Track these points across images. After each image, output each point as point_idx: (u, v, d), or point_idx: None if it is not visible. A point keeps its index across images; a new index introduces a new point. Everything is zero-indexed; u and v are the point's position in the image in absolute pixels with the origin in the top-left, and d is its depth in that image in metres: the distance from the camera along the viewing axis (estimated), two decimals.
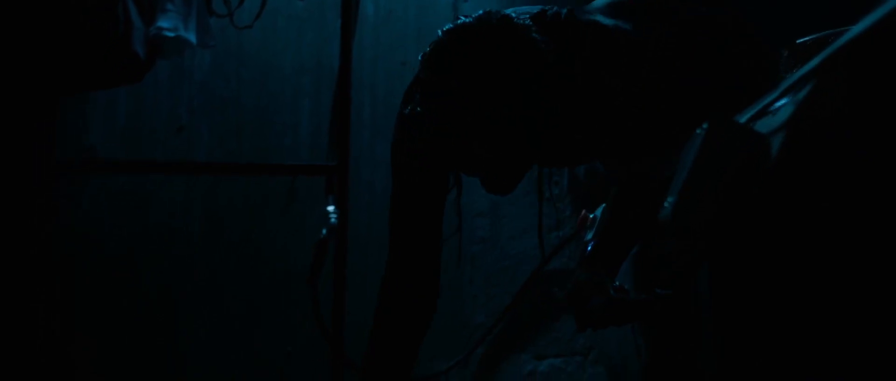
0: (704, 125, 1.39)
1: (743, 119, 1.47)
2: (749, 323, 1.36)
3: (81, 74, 2.66)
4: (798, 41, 1.70)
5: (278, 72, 3.40)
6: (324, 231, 2.84)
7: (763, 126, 1.39)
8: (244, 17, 2.99)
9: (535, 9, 1.79)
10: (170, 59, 2.97)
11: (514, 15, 1.71)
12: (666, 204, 1.46)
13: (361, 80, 3.40)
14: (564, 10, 1.77)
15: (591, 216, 2.24)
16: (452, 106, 1.67)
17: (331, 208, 2.88)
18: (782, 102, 1.38)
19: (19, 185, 2.70)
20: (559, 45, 1.70)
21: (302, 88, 3.42)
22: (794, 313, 1.32)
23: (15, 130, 2.67)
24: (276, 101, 3.40)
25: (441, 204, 1.96)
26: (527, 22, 1.69)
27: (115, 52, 2.61)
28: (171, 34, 2.69)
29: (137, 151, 3.27)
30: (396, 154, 1.95)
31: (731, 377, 1.40)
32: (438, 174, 1.94)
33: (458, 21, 1.71)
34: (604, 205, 2.04)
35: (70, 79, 2.67)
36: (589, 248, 1.92)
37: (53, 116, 2.79)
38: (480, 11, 1.73)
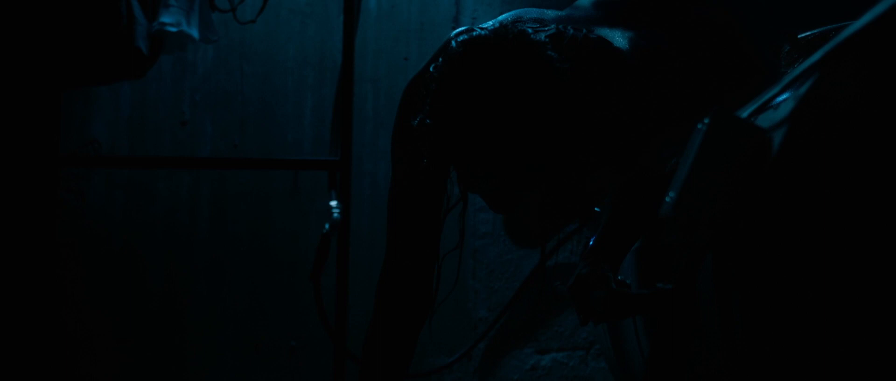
0: (706, 120, 1.39)
1: (745, 114, 1.47)
2: (751, 318, 1.37)
3: (85, 70, 2.67)
4: (800, 36, 1.70)
5: (281, 66, 3.40)
6: (326, 226, 2.85)
7: (765, 121, 1.39)
8: (247, 12, 2.99)
9: (551, 18, 1.78)
10: (172, 54, 2.98)
11: (530, 30, 1.69)
12: (667, 199, 1.46)
13: (364, 73, 3.41)
14: (581, 34, 1.75)
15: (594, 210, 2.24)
16: (464, 121, 1.65)
17: (333, 203, 2.88)
18: (784, 96, 1.38)
19: (24, 178, 2.70)
20: (573, 63, 1.68)
21: (305, 82, 3.42)
22: (797, 309, 1.32)
23: (19, 125, 2.68)
24: (279, 95, 3.40)
25: (440, 209, 1.97)
26: (542, 39, 1.67)
27: (118, 48, 2.62)
28: (173, 29, 2.70)
29: (141, 144, 3.28)
30: (398, 162, 1.96)
31: (733, 372, 1.40)
32: (440, 185, 1.94)
33: (473, 32, 1.69)
34: (606, 199, 2.04)
35: (73, 74, 2.68)
36: (591, 242, 1.92)
37: (57, 109, 2.80)
38: (495, 23, 1.71)
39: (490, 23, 1.77)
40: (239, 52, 3.35)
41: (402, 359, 2.05)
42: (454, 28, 3.49)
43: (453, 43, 1.69)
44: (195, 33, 2.76)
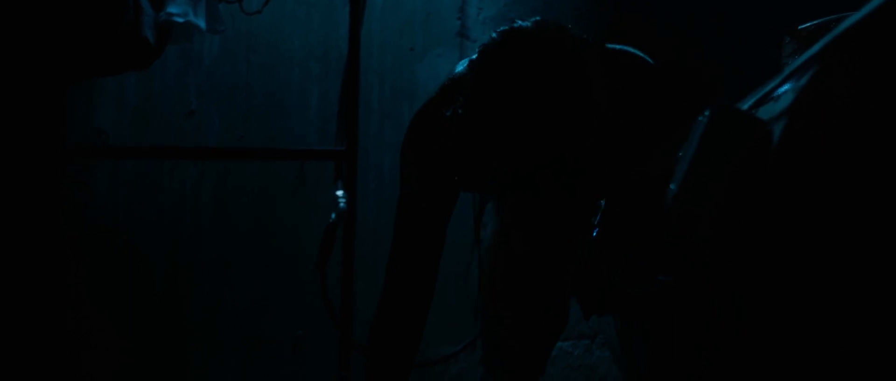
0: (707, 113, 1.40)
1: (745, 106, 1.48)
2: (752, 312, 1.37)
3: (91, 61, 2.67)
4: (800, 27, 1.70)
5: (287, 58, 3.40)
6: (332, 216, 2.86)
7: (765, 113, 1.39)
8: (253, 2, 3.00)
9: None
10: (178, 45, 2.98)
11: (570, 27, 1.71)
12: (669, 192, 1.47)
13: (369, 65, 3.41)
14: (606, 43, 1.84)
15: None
16: (500, 108, 1.65)
17: (339, 193, 2.89)
18: (784, 88, 1.38)
19: (30, 171, 2.71)
20: (606, 66, 1.72)
21: (310, 73, 3.43)
22: (797, 303, 1.33)
23: (25, 116, 2.68)
24: (285, 87, 3.40)
25: (451, 212, 1.99)
26: (583, 36, 1.70)
27: (124, 39, 2.62)
28: (180, 20, 2.70)
29: (147, 134, 3.29)
30: (408, 181, 1.97)
31: (734, 365, 1.41)
32: (456, 192, 1.97)
33: (515, 24, 1.70)
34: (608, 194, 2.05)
35: (80, 65, 2.68)
36: (593, 235, 1.93)
37: (63, 100, 2.80)
38: (536, 18, 1.73)
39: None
40: (245, 44, 3.36)
41: (409, 349, 2.07)
42: (459, 18, 3.50)
43: (493, 33, 1.70)
44: (202, 24, 2.76)
